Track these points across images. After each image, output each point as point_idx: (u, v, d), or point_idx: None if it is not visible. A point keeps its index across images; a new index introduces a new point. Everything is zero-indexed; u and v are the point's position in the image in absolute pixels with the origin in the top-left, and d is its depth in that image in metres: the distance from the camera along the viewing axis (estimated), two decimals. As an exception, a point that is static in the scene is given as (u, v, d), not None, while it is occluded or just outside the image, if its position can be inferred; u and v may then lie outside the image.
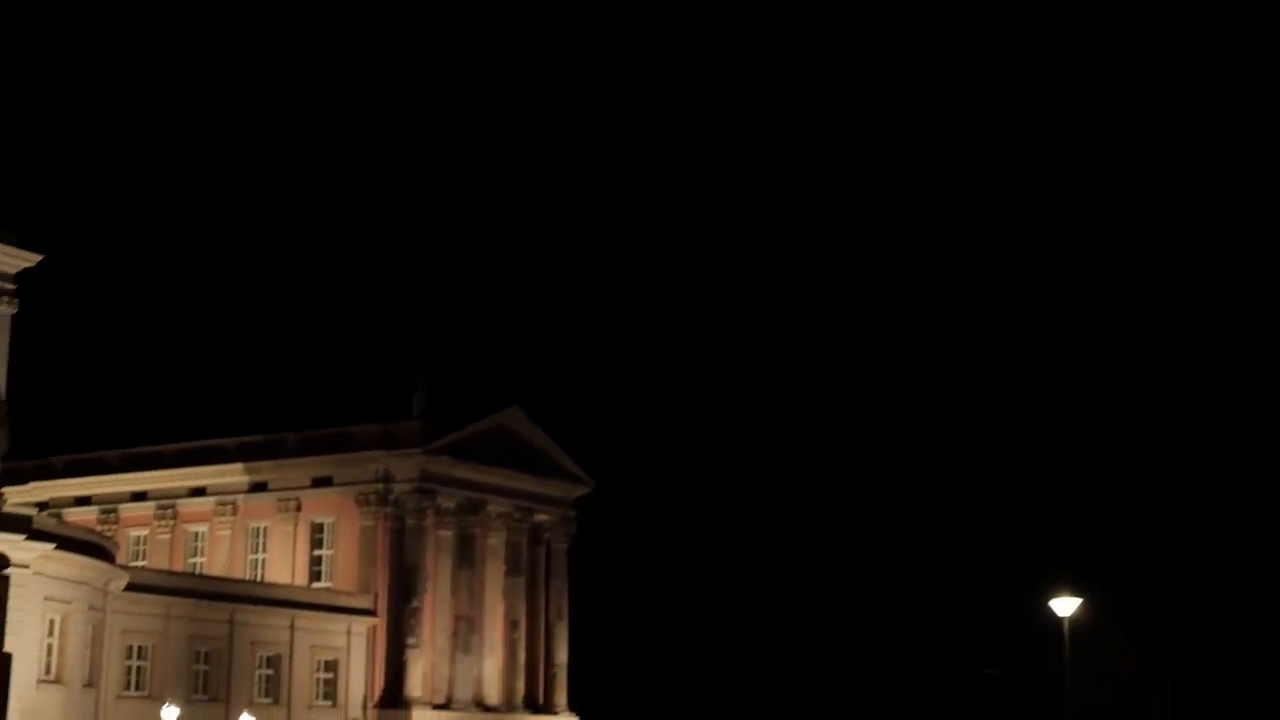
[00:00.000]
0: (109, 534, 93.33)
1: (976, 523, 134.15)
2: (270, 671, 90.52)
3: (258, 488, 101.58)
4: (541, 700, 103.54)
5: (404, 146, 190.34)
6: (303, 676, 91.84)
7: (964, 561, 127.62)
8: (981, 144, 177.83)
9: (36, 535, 67.70)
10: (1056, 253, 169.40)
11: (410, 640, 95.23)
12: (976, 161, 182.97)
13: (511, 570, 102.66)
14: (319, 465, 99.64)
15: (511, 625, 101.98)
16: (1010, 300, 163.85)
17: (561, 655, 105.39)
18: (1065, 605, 51.04)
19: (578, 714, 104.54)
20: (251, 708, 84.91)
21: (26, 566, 64.61)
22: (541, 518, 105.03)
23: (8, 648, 64.49)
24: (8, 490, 72.37)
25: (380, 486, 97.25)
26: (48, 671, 71.71)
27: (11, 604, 64.62)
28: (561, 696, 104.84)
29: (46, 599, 70.01)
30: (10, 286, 68.62)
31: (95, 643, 77.77)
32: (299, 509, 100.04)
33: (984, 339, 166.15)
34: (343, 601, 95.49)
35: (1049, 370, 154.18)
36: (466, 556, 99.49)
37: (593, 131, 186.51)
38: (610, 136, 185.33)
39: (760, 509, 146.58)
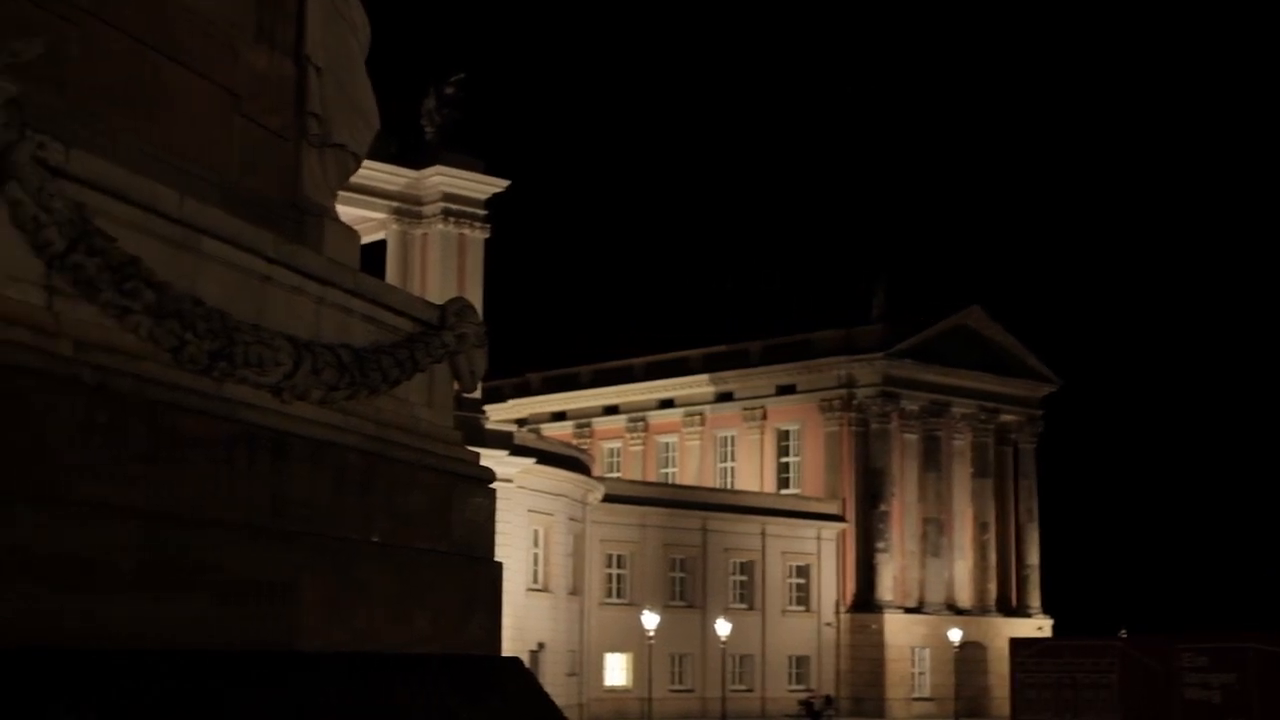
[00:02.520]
0: (584, 447, 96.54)
1: None
2: (743, 577, 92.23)
3: (723, 398, 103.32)
4: (1014, 603, 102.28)
5: (853, 48, 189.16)
6: (775, 582, 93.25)
7: None
8: None
9: (518, 451, 70.62)
10: None
11: (879, 544, 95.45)
12: None
13: (979, 472, 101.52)
14: (782, 373, 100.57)
15: (981, 527, 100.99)
16: None
17: (1033, 557, 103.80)
18: None
19: (1051, 616, 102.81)
20: (726, 613, 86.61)
21: (510, 481, 67.27)
22: (1007, 418, 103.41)
23: (498, 557, 67.60)
24: (489, 408, 75.67)
25: (843, 392, 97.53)
26: (535, 580, 74.93)
27: (499, 516, 67.64)
28: (1035, 599, 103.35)
29: (530, 511, 73.03)
30: (481, 212, 71.24)
31: (576, 552, 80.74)
32: (764, 417, 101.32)
33: None
34: (811, 507, 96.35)
35: None
36: (932, 459, 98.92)
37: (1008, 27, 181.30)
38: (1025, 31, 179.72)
39: (1230, 401, 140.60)
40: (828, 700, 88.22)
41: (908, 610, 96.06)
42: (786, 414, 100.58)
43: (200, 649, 7.71)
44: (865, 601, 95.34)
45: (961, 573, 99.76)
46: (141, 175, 7.97)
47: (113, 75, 8.87)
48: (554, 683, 68.40)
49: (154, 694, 7.16)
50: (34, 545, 6.75)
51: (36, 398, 6.83)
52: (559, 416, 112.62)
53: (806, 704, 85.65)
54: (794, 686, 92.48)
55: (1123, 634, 76.79)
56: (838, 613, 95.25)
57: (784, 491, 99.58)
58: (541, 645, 73.37)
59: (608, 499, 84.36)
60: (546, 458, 74.76)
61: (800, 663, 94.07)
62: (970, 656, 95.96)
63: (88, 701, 6.76)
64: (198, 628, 7.75)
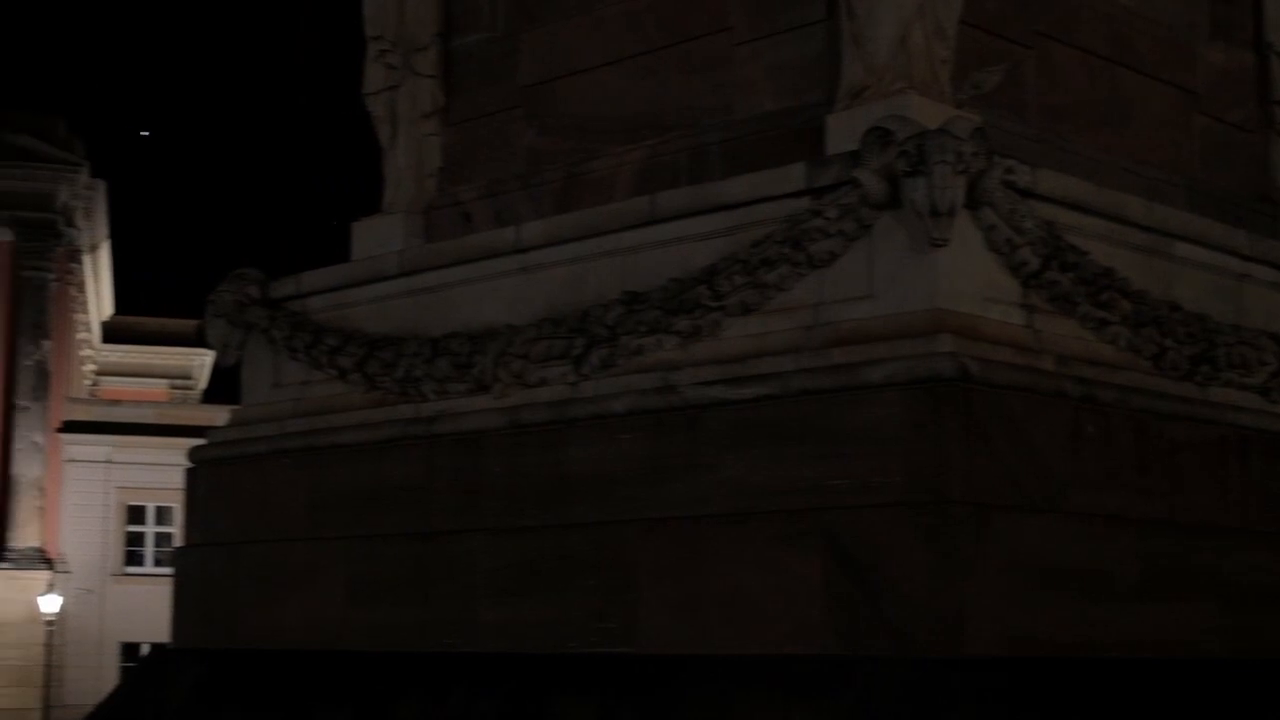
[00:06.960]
0: None
1: None
2: None
3: None
4: None
5: None
6: None
7: None
8: None
9: None
10: None
11: None
12: None
13: None
14: None
15: None
16: None
17: None
18: None
19: None
20: None
21: None
22: None
23: None
24: None
25: None
26: None
27: None
28: None
29: None
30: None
31: None
32: None
33: None
34: None
35: None
36: None
37: None
38: None
39: None
40: None
41: None
42: None
43: (1201, 657, 7.62)
44: None
45: None
46: (1105, 186, 8.03)
47: (1070, 92, 9.01)
48: None
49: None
50: (1034, 556, 6.93)
51: (1026, 413, 7.02)
52: None
53: None
54: None
55: None
56: None
57: None
58: None
59: None
60: None
61: None
62: None
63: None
64: (1199, 635, 7.66)
